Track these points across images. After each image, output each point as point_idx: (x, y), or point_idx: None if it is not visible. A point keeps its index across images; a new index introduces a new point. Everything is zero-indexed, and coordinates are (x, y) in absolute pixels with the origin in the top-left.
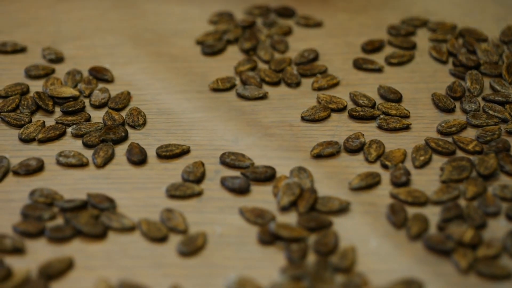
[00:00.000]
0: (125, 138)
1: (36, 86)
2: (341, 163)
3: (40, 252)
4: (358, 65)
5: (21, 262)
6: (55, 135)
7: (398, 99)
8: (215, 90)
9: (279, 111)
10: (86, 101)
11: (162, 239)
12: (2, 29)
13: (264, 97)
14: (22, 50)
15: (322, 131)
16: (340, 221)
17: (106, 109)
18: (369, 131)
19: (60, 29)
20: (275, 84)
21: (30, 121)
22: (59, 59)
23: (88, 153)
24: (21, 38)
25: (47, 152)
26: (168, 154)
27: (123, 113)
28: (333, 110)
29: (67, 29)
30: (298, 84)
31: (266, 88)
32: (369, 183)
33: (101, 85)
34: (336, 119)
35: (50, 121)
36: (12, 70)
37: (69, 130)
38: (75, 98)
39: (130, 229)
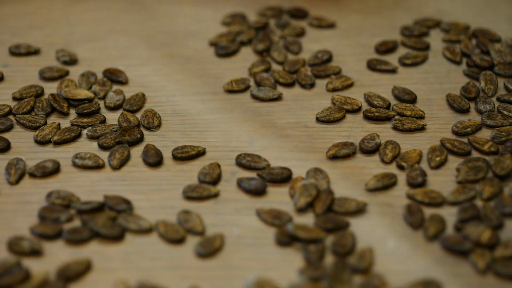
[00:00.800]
0: (140, 140)
1: (50, 88)
2: (357, 164)
3: (58, 254)
4: (372, 66)
5: (39, 264)
6: (71, 137)
7: (413, 100)
8: (230, 91)
9: (294, 112)
10: (101, 103)
11: (179, 241)
12: (16, 31)
13: (278, 98)
14: (36, 52)
15: (338, 132)
16: (357, 222)
17: (121, 111)
18: (384, 132)
19: (73, 31)
20: (289, 85)
21: (45, 123)
22: (73, 61)
23: (104, 155)
24: (35, 40)
25: (63, 154)
26: (184, 155)
27: (138, 115)
28: (348, 111)
29: (80, 31)
30: (312, 85)
31: (280, 89)
32: (386, 184)
33: (115, 87)
34: (351, 120)
35: (65, 123)
36: (26, 72)
37: (84, 132)
38: (90, 100)
39: (147, 230)
